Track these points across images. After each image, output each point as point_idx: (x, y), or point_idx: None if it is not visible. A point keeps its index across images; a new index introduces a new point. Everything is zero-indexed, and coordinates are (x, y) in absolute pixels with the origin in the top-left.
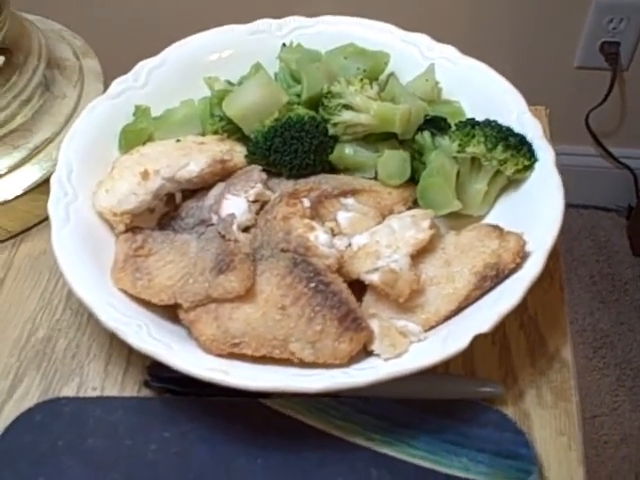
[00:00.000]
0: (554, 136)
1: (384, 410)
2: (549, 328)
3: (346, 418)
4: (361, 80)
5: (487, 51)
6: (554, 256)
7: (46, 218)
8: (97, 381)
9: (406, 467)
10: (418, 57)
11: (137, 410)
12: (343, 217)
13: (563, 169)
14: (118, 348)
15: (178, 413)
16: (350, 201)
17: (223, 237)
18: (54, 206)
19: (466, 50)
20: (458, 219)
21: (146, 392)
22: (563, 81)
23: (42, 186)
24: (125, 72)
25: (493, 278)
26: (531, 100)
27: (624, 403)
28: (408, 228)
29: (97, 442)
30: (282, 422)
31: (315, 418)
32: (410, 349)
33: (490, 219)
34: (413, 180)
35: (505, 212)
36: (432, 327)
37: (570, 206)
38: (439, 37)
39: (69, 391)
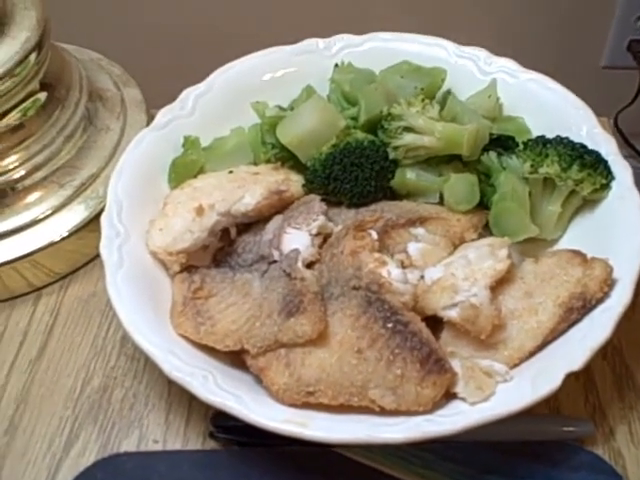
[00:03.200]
0: None
1: (468, 455)
2: (635, 358)
3: (428, 466)
4: (422, 100)
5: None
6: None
7: (94, 258)
8: (158, 433)
9: None
10: (475, 72)
11: (204, 464)
12: (414, 248)
13: None
14: (178, 396)
15: (247, 466)
16: (420, 231)
17: (288, 275)
18: (107, 248)
19: (491, 45)
20: (531, 244)
21: (211, 444)
22: (590, 81)
23: (89, 225)
24: (166, 100)
25: (580, 309)
26: None
27: None
28: (485, 258)
29: None
30: (360, 472)
31: (395, 467)
32: (497, 391)
33: (565, 242)
34: (481, 204)
35: (582, 235)
36: (516, 365)
37: None
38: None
39: (129, 445)
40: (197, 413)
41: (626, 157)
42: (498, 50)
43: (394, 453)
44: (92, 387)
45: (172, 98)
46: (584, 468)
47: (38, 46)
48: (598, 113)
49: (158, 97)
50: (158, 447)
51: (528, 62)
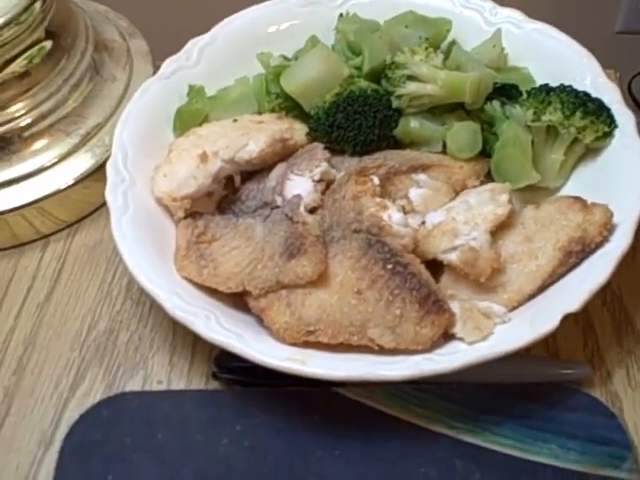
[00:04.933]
0: None
1: (465, 396)
2: (635, 304)
3: (426, 405)
4: (426, 49)
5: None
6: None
7: (100, 206)
8: (162, 374)
9: (492, 456)
10: (480, 22)
11: (206, 403)
12: (415, 194)
13: None
14: (182, 339)
15: (249, 405)
16: (422, 177)
17: (290, 219)
18: (112, 194)
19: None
20: (533, 192)
21: (214, 384)
22: (604, 47)
23: (95, 173)
24: (172, 52)
25: (579, 253)
26: None
27: None
28: (486, 203)
29: (167, 438)
30: (359, 411)
31: (393, 406)
32: (495, 331)
33: (567, 190)
34: (484, 152)
35: (583, 183)
36: (515, 307)
37: None
38: None
39: (134, 385)
40: (200, 355)
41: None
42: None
43: (393, 393)
44: (98, 330)
45: (178, 50)
46: (580, 409)
47: None
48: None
49: (164, 49)
50: (162, 387)
51: None
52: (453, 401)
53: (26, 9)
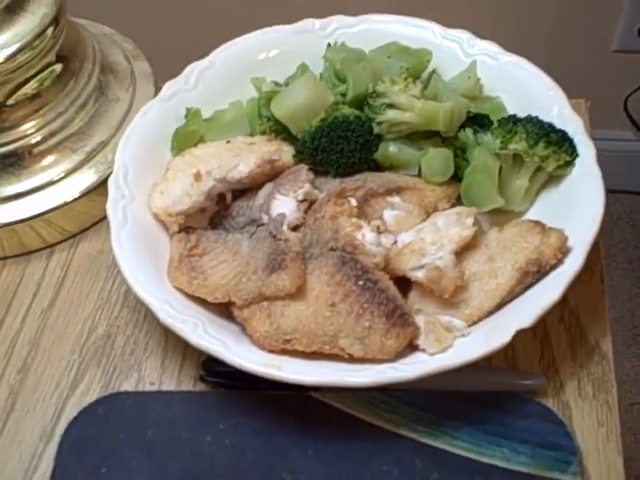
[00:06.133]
0: (592, 121)
1: (428, 402)
2: (589, 320)
3: (392, 410)
4: (405, 79)
5: (523, 35)
6: (595, 249)
7: (102, 218)
8: (154, 376)
9: (449, 457)
10: (459, 53)
11: (193, 404)
12: (389, 215)
13: (602, 154)
14: (174, 344)
15: (232, 406)
16: (396, 199)
17: (274, 237)
18: (112, 209)
19: (503, 34)
20: (500, 215)
21: (201, 386)
22: (600, 65)
23: (98, 188)
24: (173, 73)
25: (535, 274)
26: (568, 84)
27: None
28: (452, 225)
29: (156, 434)
30: (332, 414)
31: (363, 410)
32: (454, 344)
33: (531, 214)
34: (456, 177)
35: (546, 207)
36: (475, 322)
37: (609, 191)
38: (476, 18)
39: (128, 386)
40: (190, 360)
41: (635, 141)
42: (507, 34)
43: (363, 398)
44: (97, 334)
45: (178, 71)
46: (533, 417)
47: (55, 21)
48: (608, 97)
49: (166, 71)
50: (154, 388)
51: (539, 46)
52: (417, 407)
53: (39, 35)
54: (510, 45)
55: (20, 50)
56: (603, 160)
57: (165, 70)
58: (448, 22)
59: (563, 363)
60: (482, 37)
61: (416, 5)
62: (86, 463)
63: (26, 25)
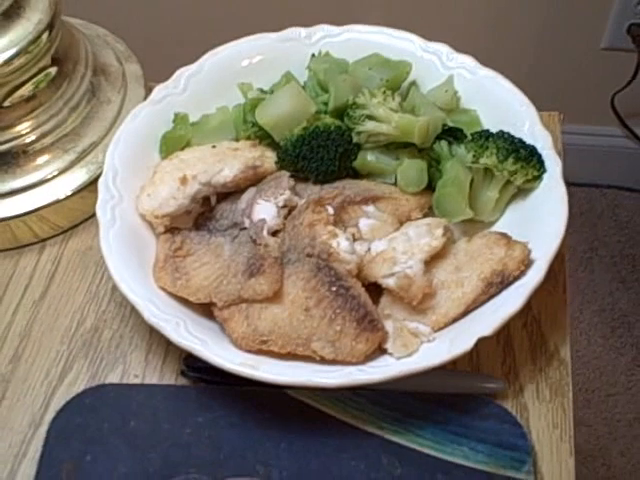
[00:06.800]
0: (579, 116)
1: (395, 402)
2: (550, 328)
3: (361, 408)
4: (384, 92)
5: (514, 29)
6: (559, 259)
7: (92, 215)
8: (138, 369)
9: (413, 454)
10: (439, 66)
11: (174, 397)
12: (364, 224)
13: (588, 149)
14: (157, 339)
15: (211, 401)
16: (371, 209)
17: (254, 241)
18: (102, 209)
19: (494, 26)
20: (471, 223)
21: (183, 381)
22: (589, 62)
23: (89, 186)
24: (162, 73)
25: (498, 285)
26: (557, 80)
27: (639, 383)
28: (423, 236)
29: (139, 425)
30: (304, 411)
31: (333, 408)
32: (420, 349)
33: (500, 224)
34: (430, 187)
35: (514, 219)
36: (441, 328)
37: (594, 186)
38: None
39: (114, 378)
40: (172, 354)
41: (621, 137)
42: (499, 25)
43: (334, 396)
44: (85, 327)
45: (168, 71)
46: (492, 418)
47: (50, 26)
48: (595, 93)
49: (155, 70)
50: (137, 380)
51: (528, 42)
52: (384, 406)
53: (34, 41)
54: (501, 38)
55: (16, 55)
56: (589, 155)
57: (155, 69)
58: (435, 28)
59: (523, 367)
60: (470, 31)
61: (402, 17)
62: (72, 450)
63: (22, 31)
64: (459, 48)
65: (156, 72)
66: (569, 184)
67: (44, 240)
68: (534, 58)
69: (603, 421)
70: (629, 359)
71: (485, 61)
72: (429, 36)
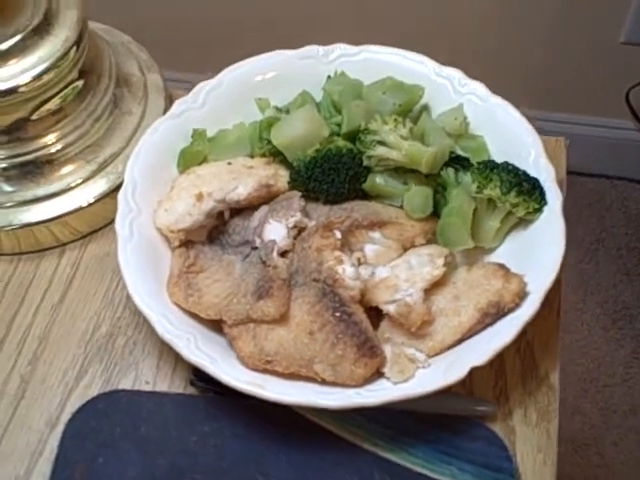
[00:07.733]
0: (593, 109)
1: (390, 420)
2: (542, 353)
3: (358, 425)
4: (395, 120)
5: (531, 18)
6: (555, 286)
7: (112, 221)
8: (150, 376)
9: (404, 472)
10: (450, 91)
11: (183, 406)
12: (369, 249)
13: (601, 140)
14: (169, 348)
15: (217, 411)
16: (377, 235)
17: (264, 262)
18: (120, 223)
19: (508, 17)
20: (472, 249)
21: (191, 389)
22: (607, 55)
23: (110, 194)
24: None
25: (494, 315)
26: (575, 70)
27: (636, 375)
28: (425, 264)
29: (148, 431)
30: (305, 426)
31: (333, 424)
32: (416, 374)
33: (500, 251)
34: (436, 213)
35: (513, 247)
36: (437, 353)
37: (604, 177)
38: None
39: (126, 383)
40: (183, 363)
41: (634, 130)
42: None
43: (334, 413)
44: (101, 332)
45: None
46: (480, 440)
47: (77, 42)
48: (611, 87)
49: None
50: (149, 387)
51: (548, 34)
52: (380, 423)
53: (62, 57)
54: (519, 24)
55: (45, 71)
56: (601, 146)
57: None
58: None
59: (514, 391)
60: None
61: (418, 38)
62: (85, 452)
63: (51, 47)
64: (473, 38)
65: (176, 81)
66: (580, 174)
67: (64, 244)
68: (550, 48)
69: (599, 411)
70: (628, 351)
71: (502, 52)
72: (437, 42)
